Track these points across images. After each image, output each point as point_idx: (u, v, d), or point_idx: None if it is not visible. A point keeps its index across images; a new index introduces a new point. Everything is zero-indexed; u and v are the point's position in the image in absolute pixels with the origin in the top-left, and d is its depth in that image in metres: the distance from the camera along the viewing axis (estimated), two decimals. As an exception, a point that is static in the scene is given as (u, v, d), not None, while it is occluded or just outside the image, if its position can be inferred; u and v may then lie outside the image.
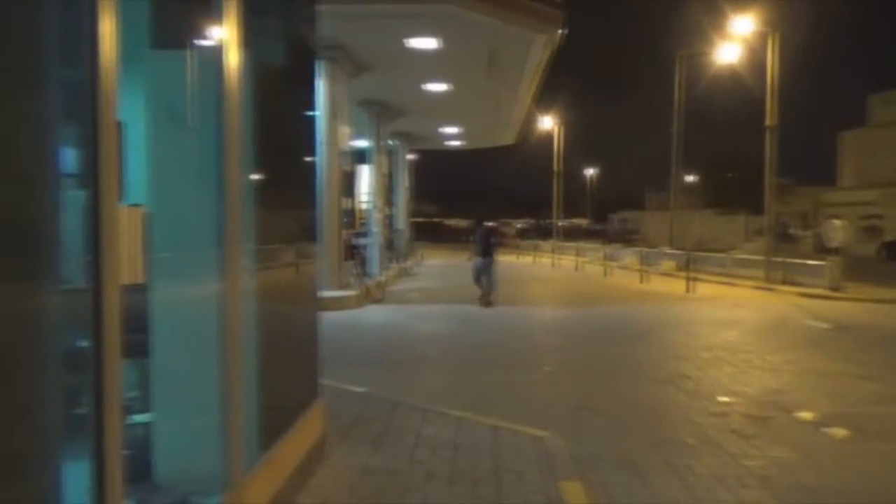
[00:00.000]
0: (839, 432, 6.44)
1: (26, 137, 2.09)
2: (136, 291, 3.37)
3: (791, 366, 9.64)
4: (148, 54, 3.74)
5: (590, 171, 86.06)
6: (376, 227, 22.59)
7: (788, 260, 23.33)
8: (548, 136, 48.13)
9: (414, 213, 41.05)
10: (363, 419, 6.35)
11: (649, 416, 7.00)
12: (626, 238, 57.06)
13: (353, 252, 19.06)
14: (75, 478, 2.26)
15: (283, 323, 4.75)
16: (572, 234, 59.94)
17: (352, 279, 17.35)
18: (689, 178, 68.96)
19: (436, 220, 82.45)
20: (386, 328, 13.10)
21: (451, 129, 29.36)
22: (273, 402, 4.25)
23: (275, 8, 4.95)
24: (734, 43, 27.78)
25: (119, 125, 2.44)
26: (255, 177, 4.12)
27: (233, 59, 3.53)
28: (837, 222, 22.50)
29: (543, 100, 41.73)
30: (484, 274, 16.31)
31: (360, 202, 25.44)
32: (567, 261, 34.39)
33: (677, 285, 21.68)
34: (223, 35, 3.50)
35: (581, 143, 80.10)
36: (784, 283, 22.01)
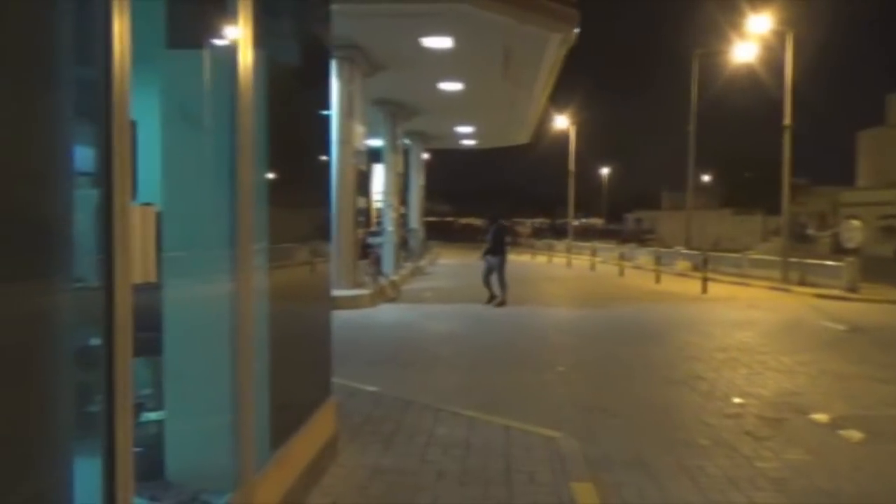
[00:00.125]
0: (854, 434, 6.38)
1: (40, 136, 2.10)
2: (151, 290, 3.39)
3: (806, 367, 9.57)
4: (163, 54, 3.76)
5: (605, 171, 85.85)
6: (390, 227, 22.62)
7: (804, 260, 23.16)
8: (563, 136, 48.00)
9: (428, 212, 41.06)
10: (375, 418, 6.36)
11: (662, 417, 6.97)
12: (641, 238, 56.77)
13: (367, 251, 19.09)
14: (87, 475, 2.28)
15: (296, 322, 4.77)
16: (586, 234, 59.79)
17: (366, 278, 17.38)
18: (705, 178, 68.71)
19: (449, 219, 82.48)
20: (399, 327, 13.11)
21: (465, 129, 29.34)
22: (284, 401, 4.26)
23: (289, 7, 4.96)
24: (751, 42, 27.60)
25: (133, 124, 2.45)
26: (268, 176, 4.13)
27: (246, 58, 3.54)
28: (855, 223, 22.32)
29: (558, 99, 41.76)
30: (494, 273, 16.26)
31: (375, 201, 25.48)
32: (582, 260, 34.28)
33: (692, 285, 21.56)
34: (237, 35, 3.51)
35: (596, 142, 79.78)
36: (800, 283, 21.84)
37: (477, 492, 4.67)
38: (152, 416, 3.86)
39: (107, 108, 2.29)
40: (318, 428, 4.94)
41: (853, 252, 20.90)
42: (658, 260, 25.82)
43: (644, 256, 30.63)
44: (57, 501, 2.17)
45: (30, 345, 2.06)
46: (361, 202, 20.30)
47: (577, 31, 13.56)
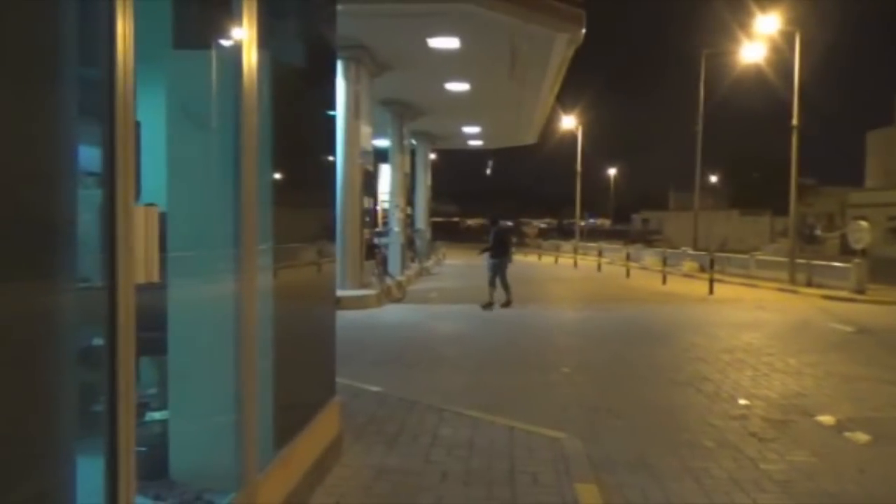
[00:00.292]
0: (861, 437, 6.35)
1: (44, 136, 2.11)
2: (155, 290, 3.40)
3: (813, 369, 9.53)
4: (169, 54, 3.77)
5: (612, 171, 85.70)
6: (397, 227, 22.63)
7: (812, 262, 23.08)
8: (570, 136, 48.01)
9: (434, 212, 41.09)
10: (379, 418, 6.36)
11: (667, 418, 6.95)
12: (648, 238, 56.68)
13: (373, 251, 19.11)
14: (90, 474, 2.28)
15: (300, 322, 4.77)
16: (593, 235, 59.72)
17: (372, 278, 17.39)
18: (713, 179, 68.54)
19: (456, 219, 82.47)
20: (404, 328, 13.11)
21: (472, 129, 29.34)
22: (288, 401, 4.26)
23: (294, 8, 4.97)
24: (759, 42, 27.54)
25: (137, 124, 2.46)
26: (273, 176, 4.14)
27: (251, 59, 3.54)
28: (863, 223, 22.21)
29: (566, 99, 41.71)
30: (497, 274, 16.18)
31: (381, 201, 25.48)
32: (589, 261, 34.25)
33: (699, 286, 21.51)
34: (242, 35, 3.51)
35: (603, 142, 79.96)
36: (808, 285, 21.78)
37: (481, 492, 4.67)
38: (156, 415, 3.88)
39: (110, 108, 2.29)
40: (322, 428, 4.94)
41: (861, 253, 20.81)
42: (665, 261, 25.76)
43: (651, 257, 30.58)
44: (60, 500, 2.18)
45: (34, 344, 2.07)
46: (368, 202, 20.33)
47: (583, 31, 13.54)
